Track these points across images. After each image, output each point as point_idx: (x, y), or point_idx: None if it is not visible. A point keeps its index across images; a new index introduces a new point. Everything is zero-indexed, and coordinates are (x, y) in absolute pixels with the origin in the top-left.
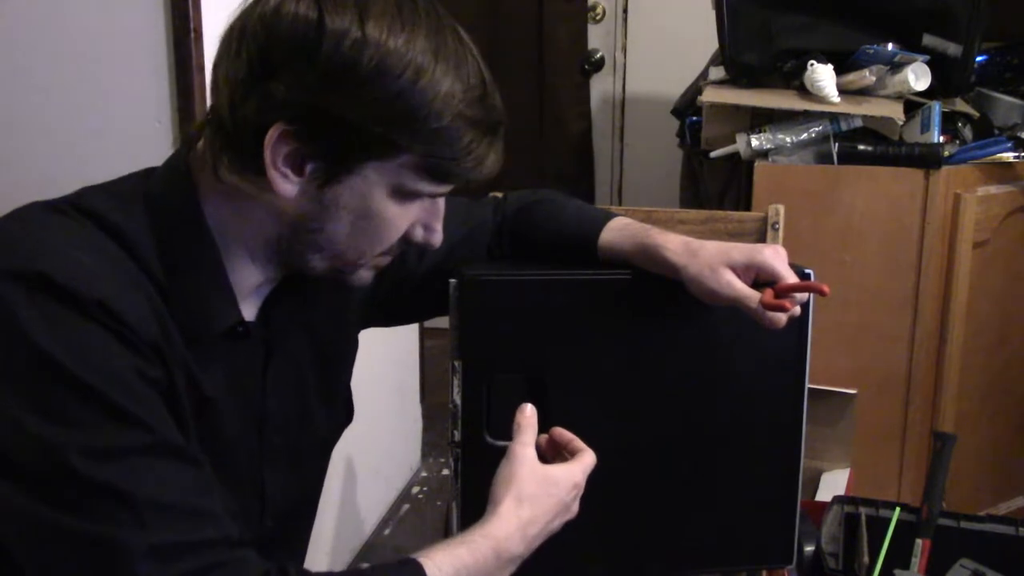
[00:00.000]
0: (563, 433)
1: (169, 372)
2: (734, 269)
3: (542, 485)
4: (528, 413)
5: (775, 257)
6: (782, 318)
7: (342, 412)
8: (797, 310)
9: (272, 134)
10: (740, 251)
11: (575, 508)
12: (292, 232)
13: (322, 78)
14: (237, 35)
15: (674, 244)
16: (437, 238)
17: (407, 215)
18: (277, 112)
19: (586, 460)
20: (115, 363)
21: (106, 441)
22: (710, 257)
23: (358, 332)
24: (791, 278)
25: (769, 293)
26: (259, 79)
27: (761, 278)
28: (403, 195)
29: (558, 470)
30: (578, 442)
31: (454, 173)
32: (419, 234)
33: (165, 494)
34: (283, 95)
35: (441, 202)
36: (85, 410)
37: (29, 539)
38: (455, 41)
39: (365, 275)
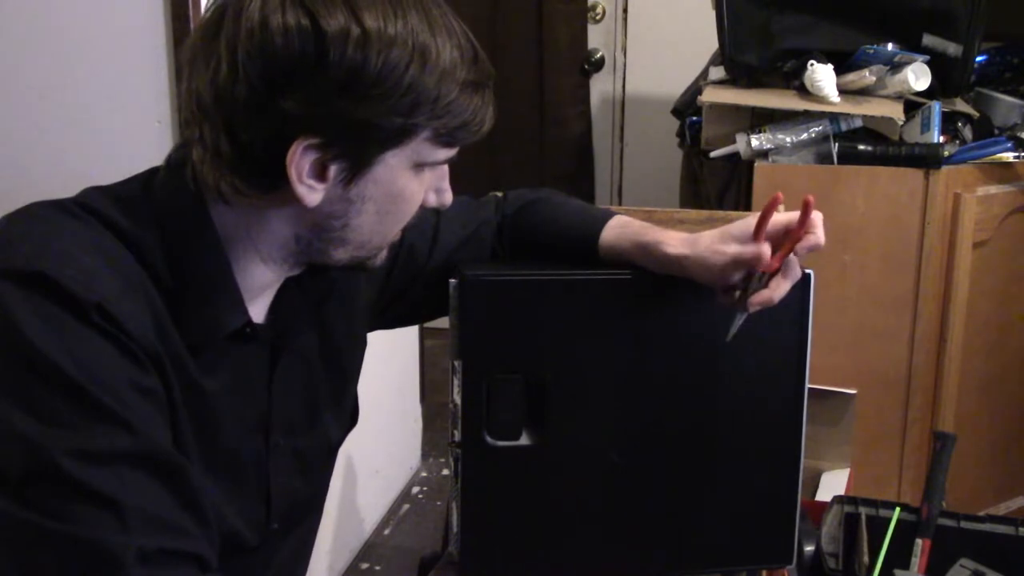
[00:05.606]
0: None
1: (166, 381)
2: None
3: None
4: None
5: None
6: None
7: (348, 415)
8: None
9: (295, 151)
10: (737, 226)
11: None
12: (313, 232)
13: (335, 86)
14: (223, 55)
15: (673, 239)
16: (448, 196)
17: (424, 185)
18: (295, 128)
19: None
20: (110, 369)
21: (95, 445)
22: (711, 240)
23: (366, 333)
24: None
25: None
26: (267, 100)
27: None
28: (420, 168)
29: None
30: None
31: (465, 136)
32: (432, 199)
33: (149, 504)
34: (299, 111)
35: (445, 164)
36: (76, 412)
37: (10, 542)
38: (437, 8)
39: (383, 255)
